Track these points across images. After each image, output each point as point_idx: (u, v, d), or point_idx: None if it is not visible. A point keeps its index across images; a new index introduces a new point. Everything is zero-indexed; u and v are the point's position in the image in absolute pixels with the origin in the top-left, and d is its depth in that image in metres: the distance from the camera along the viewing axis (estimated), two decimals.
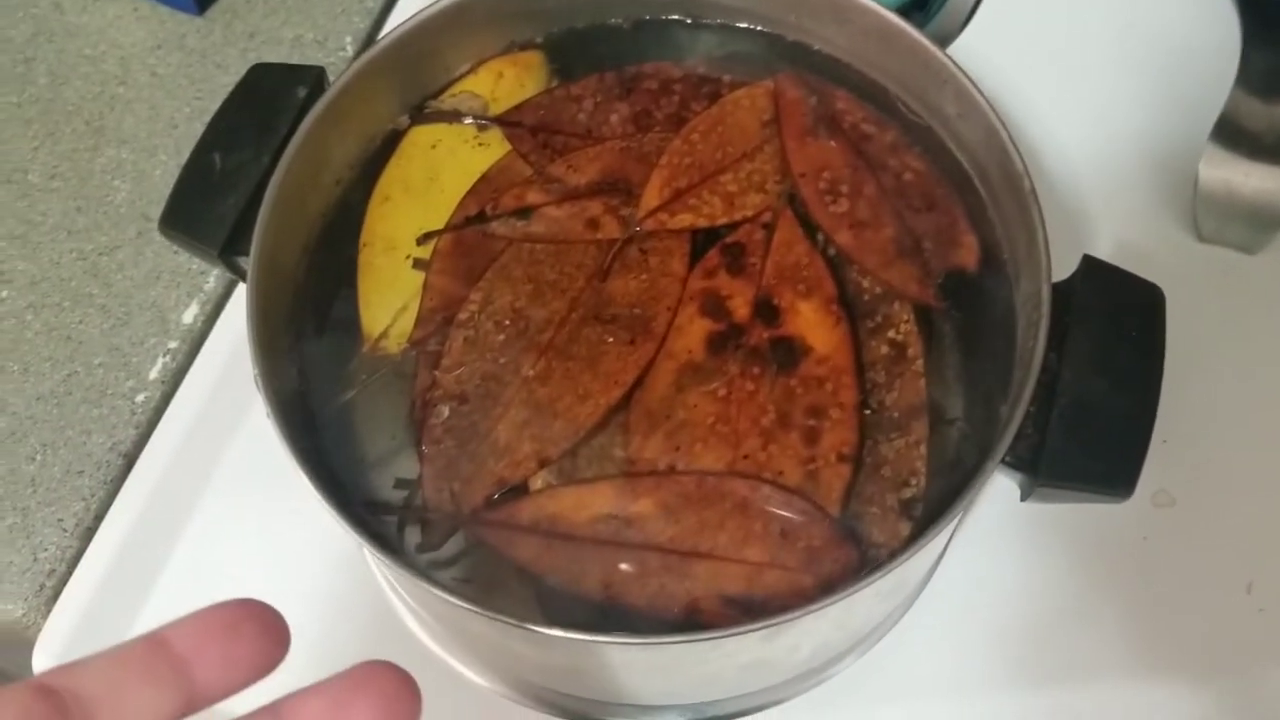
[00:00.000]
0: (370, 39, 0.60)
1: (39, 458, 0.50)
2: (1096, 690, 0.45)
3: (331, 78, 0.43)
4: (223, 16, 0.60)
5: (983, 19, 0.57)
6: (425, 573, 0.37)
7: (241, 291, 0.52)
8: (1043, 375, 0.37)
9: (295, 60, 0.57)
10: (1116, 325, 0.38)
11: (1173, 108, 0.54)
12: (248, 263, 0.39)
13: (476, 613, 0.34)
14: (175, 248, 0.53)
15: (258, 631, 0.22)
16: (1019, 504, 0.42)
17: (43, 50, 0.60)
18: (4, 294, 0.53)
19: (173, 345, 0.52)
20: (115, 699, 0.21)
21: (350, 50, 0.59)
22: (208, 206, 0.41)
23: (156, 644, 0.21)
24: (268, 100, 0.43)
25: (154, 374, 0.52)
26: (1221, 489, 0.47)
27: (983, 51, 0.52)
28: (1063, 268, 0.39)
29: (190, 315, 0.53)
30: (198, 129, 0.56)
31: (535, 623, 0.34)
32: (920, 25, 0.42)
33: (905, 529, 0.38)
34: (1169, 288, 0.39)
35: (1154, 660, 0.45)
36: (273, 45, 0.59)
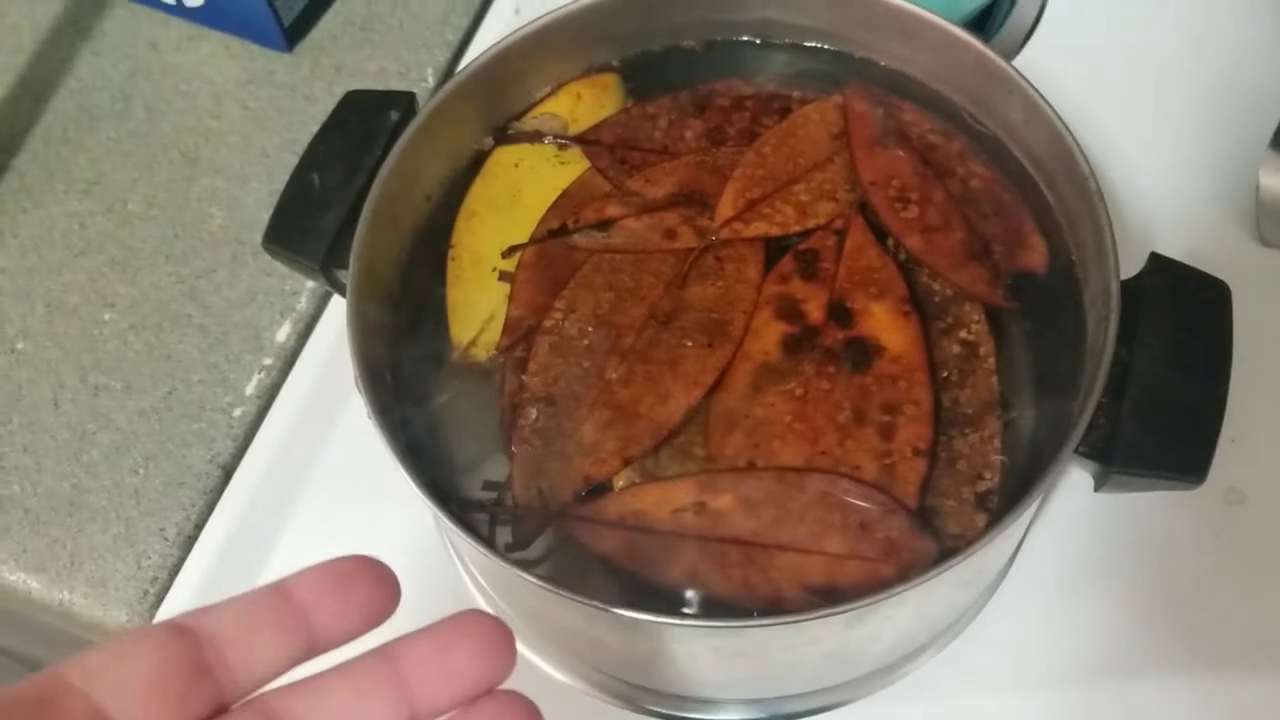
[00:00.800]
0: (450, 70, 0.62)
1: (142, 470, 0.52)
2: (1170, 685, 0.45)
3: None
4: (310, 52, 0.63)
5: (1042, 36, 0.59)
6: (522, 564, 0.38)
7: (331, 310, 0.55)
8: (1113, 368, 0.38)
9: None
10: (1185, 318, 0.39)
11: (1233, 117, 0.55)
12: (345, 275, 0.41)
13: (572, 599, 0.36)
14: (268, 270, 0.56)
15: (371, 584, 0.24)
16: (1092, 502, 0.43)
17: (140, 87, 0.63)
18: (107, 316, 0.56)
19: (267, 362, 0.55)
20: (244, 641, 0.23)
21: (431, 81, 0.62)
22: (308, 223, 0.43)
23: (281, 592, 0.23)
24: (362, 124, 0.45)
25: (250, 390, 0.54)
26: None
27: (1044, 66, 0.54)
28: (1128, 270, 0.40)
29: (283, 334, 0.55)
30: (288, 158, 0.59)
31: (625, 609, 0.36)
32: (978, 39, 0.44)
33: (981, 521, 0.39)
34: (1232, 289, 0.40)
35: (1228, 656, 0.45)
36: (358, 78, 0.62)
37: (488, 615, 0.24)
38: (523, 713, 0.24)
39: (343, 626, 0.24)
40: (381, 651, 0.23)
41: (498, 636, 0.24)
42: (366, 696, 0.23)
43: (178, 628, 0.22)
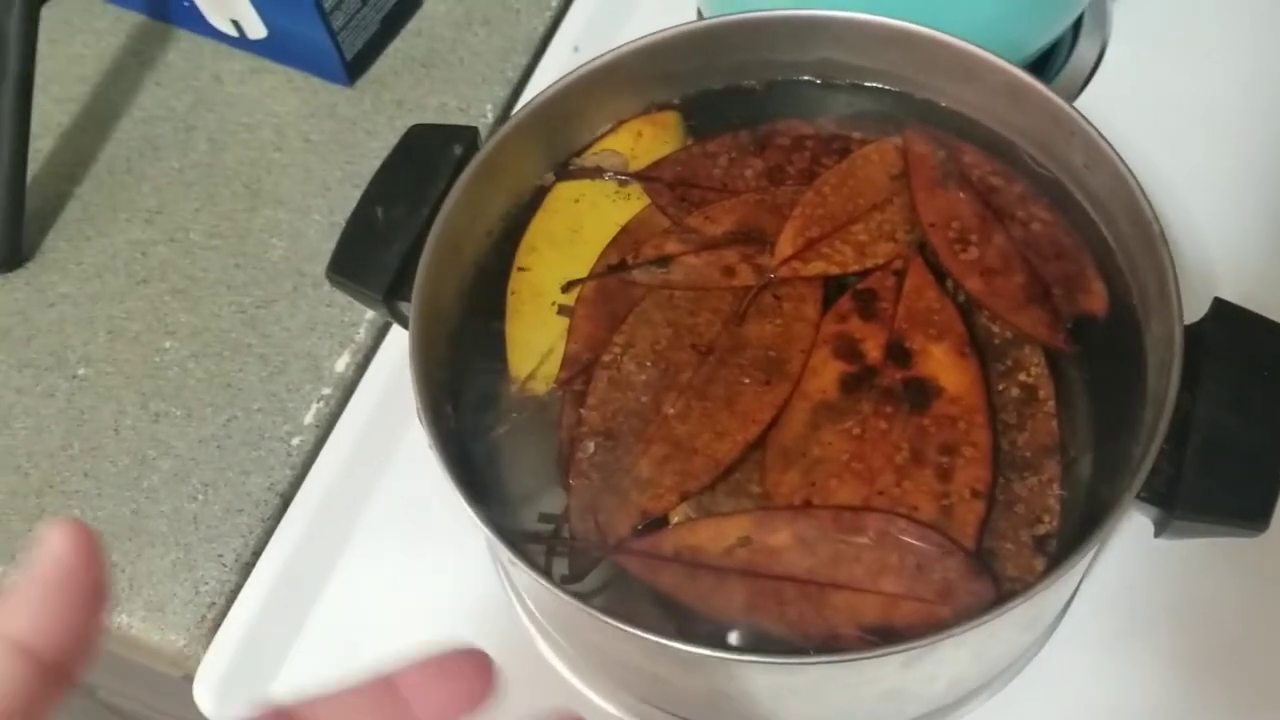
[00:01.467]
0: (509, 106, 0.63)
1: (201, 497, 0.53)
2: None
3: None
4: (371, 87, 0.64)
5: (1102, 78, 0.59)
6: (578, 596, 0.38)
7: (389, 342, 0.56)
8: (1176, 414, 0.37)
9: None
10: (1249, 365, 0.39)
11: None
12: (408, 308, 0.42)
13: (630, 633, 0.36)
14: (328, 301, 0.57)
15: (472, 676, 0.24)
16: (1150, 547, 0.43)
17: (203, 119, 0.64)
18: (168, 344, 0.57)
19: (326, 392, 0.55)
20: None
21: (490, 117, 0.62)
22: (372, 255, 0.44)
23: (388, 686, 0.24)
24: (426, 158, 0.45)
25: (308, 419, 0.55)
26: None
27: (1104, 109, 0.54)
28: (1189, 315, 0.40)
29: (342, 364, 0.56)
30: (349, 190, 0.60)
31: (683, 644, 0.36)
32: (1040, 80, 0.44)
33: (1040, 564, 0.39)
34: None
35: None
36: (418, 112, 0.62)
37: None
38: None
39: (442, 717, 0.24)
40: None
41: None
42: None
43: (281, 713, 0.23)
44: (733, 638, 0.38)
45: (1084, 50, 0.60)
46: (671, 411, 0.42)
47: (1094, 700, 0.45)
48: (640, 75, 0.47)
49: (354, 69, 0.64)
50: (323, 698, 0.24)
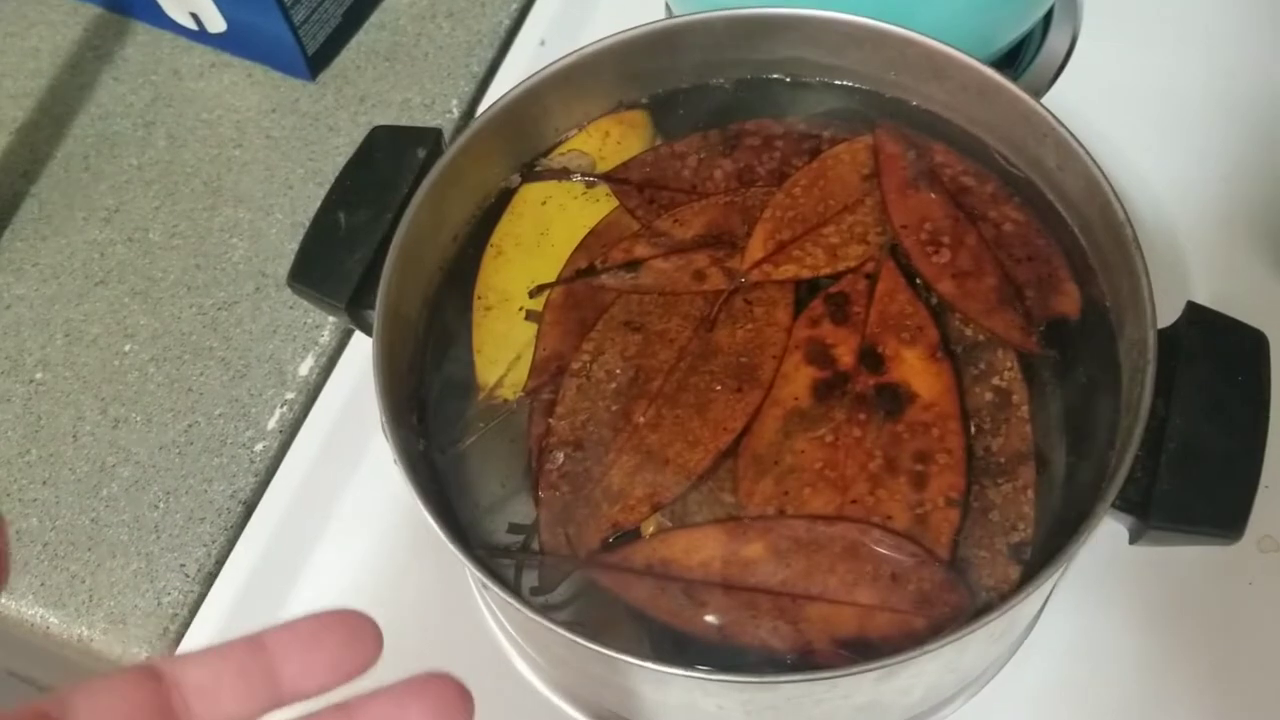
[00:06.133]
0: (475, 102, 0.62)
1: (162, 505, 0.52)
2: None
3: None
4: (334, 81, 0.63)
5: (1073, 72, 0.58)
6: (546, 613, 0.38)
7: (355, 345, 0.55)
8: (1150, 420, 0.37)
9: (404, 122, 0.60)
10: (1223, 370, 0.39)
11: (1268, 156, 0.55)
12: (372, 315, 0.41)
13: (598, 652, 0.35)
14: (291, 303, 0.56)
15: (345, 637, 0.25)
16: (1122, 549, 0.42)
17: (162, 115, 0.63)
18: (128, 348, 0.56)
19: (290, 396, 0.54)
20: (211, 689, 0.24)
21: (456, 113, 0.61)
22: (334, 262, 0.43)
23: (254, 644, 0.24)
24: (389, 161, 0.45)
25: (272, 424, 0.54)
26: None
27: (1074, 104, 0.53)
28: (1162, 317, 0.39)
29: (306, 367, 0.55)
30: (312, 189, 0.59)
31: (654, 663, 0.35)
32: (1011, 80, 0.43)
33: (1015, 573, 0.38)
34: (1269, 336, 0.40)
35: (1261, 707, 0.45)
36: (382, 108, 0.61)
37: (449, 678, 0.25)
38: None
39: (313, 679, 0.24)
40: (343, 708, 0.24)
41: (456, 698, 0.24)
42: None
43: (150, 671, 0.23)
44: (705, 651, 0.38)
45: (1055, 42, 0.60)
46: (642, 420, 0.41)
47: (1067, 704, 0.45)
48: (608, 74, 0.47)
49: (316, 63, 0.62)
50: (189, 657, 0.24)
